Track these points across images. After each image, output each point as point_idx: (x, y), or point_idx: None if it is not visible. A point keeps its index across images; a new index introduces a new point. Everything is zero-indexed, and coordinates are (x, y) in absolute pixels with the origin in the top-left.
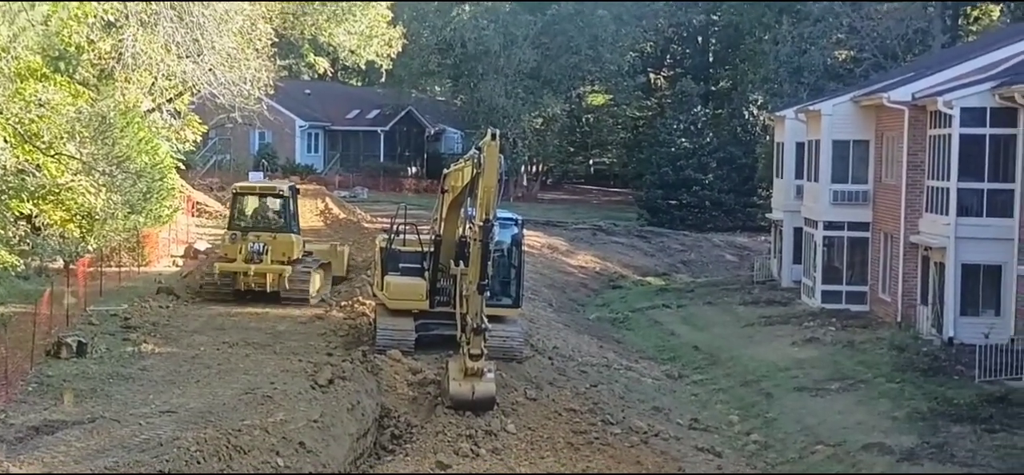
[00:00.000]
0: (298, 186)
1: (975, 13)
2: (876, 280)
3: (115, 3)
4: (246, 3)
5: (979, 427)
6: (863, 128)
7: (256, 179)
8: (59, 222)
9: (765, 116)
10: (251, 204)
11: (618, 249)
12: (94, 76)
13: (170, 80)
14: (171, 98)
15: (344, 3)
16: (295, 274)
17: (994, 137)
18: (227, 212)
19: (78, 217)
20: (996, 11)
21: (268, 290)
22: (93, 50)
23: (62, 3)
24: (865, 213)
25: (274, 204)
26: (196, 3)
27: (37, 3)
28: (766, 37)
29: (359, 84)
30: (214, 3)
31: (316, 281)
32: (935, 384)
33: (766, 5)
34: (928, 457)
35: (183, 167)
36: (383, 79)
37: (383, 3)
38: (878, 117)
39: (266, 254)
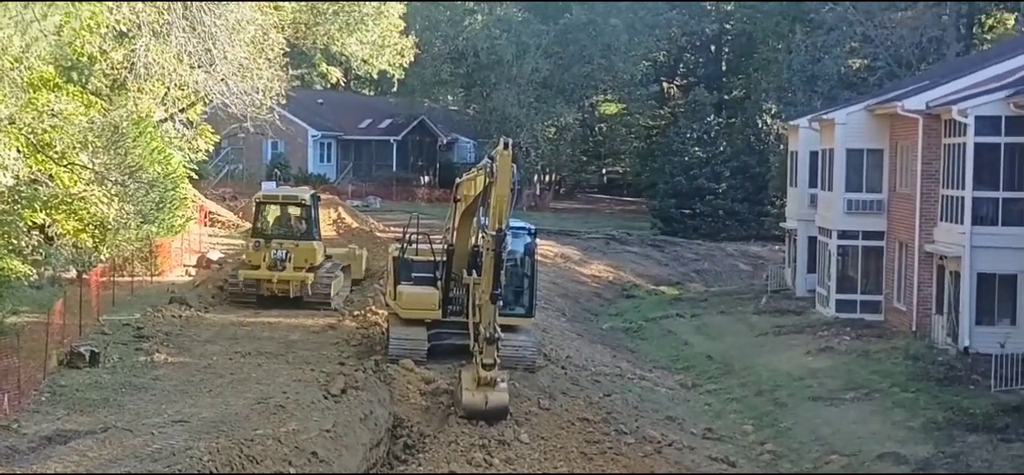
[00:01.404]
0: (319, 194)
1: (990, 21)
2: (891, 289)
3: (127, 12)
4: (259, 14)
5: (995, 437)
6: (877, 137)
7: (268, 189)
8: (72, 232)
9: (779, 125)
10: (274, 212)
11: (631, 258)
12: (107, 86)
13: (182, 90)
14: (183, 108)
15: (357, 12)
16: (317, 278)
17: (1009, 146)
18: (240, 221)
19: (91, 227)
20: (1011, 19)
21: (291, 296)
22: (106, 60)
23: (75, 12)
24: (879, 222)
25: (296, 212)
26: (208, 13)
27: (50, 14)
28: (779, 46)
29: (371, 93)
30: (227, 12)
31: (337, 284)
32: (950, 394)
33: (780, 14)
34: (943, 467)
35: (196, 177)
36: (395, 88)
37: (398, 4)
38: (892, 126)
39: (289, 261)
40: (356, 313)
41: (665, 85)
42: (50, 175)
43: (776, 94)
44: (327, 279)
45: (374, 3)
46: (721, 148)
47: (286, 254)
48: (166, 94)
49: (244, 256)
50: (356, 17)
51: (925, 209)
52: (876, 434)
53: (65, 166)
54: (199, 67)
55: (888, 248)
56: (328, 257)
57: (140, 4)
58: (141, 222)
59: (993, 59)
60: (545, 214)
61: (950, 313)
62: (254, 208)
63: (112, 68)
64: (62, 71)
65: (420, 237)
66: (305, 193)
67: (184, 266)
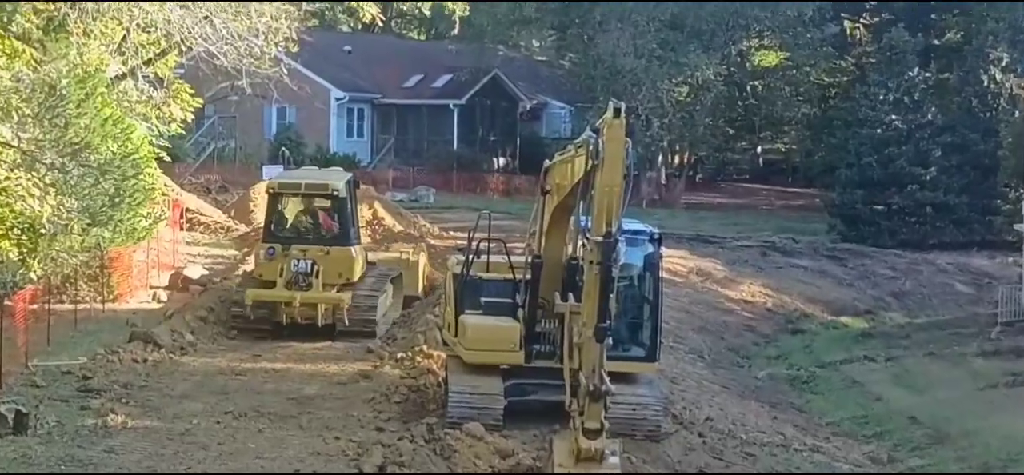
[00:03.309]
0: (358, 179)
1: None
2: None
3: None
4: None
5: None
6: None
7: (277, 175)
8: None
9: (1014, 82)
10: (294, 207)
11: (799, 276)
12: (38, 27)
13: (148, 33)
14: (150, 59)
15: None
16: (357, 299)
17: None
18: (231, 223)
19: (15, 230)
20: None
21: (320, 323)
22: None
23: None
24: None
25: (326, 205)
26: None
27: None
28: None
29: (422, 37)
30: None
31: (384, 304)
32: None
33: None
34: None
35: (168, 158)
36: (456, 30)
37: None
38: None
39: (316, 275)
40: (400, 356)
41: (847, 24)
42: None
43: (1010, 37)
44: (371, 299)
45: None
46: (929, 116)
47: (312, 265)
48: (124, 39)
49: (252, 268)
50: None
51: None
52: None
53: None
54: None
55: None
56: (371, 265)
57: None
58: (89, 224)
59: None
60: (675, 212)
61: None
62: (266, 201)
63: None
64: None
65: (493, 245)
66: (338, 178)
67: (151, 288)
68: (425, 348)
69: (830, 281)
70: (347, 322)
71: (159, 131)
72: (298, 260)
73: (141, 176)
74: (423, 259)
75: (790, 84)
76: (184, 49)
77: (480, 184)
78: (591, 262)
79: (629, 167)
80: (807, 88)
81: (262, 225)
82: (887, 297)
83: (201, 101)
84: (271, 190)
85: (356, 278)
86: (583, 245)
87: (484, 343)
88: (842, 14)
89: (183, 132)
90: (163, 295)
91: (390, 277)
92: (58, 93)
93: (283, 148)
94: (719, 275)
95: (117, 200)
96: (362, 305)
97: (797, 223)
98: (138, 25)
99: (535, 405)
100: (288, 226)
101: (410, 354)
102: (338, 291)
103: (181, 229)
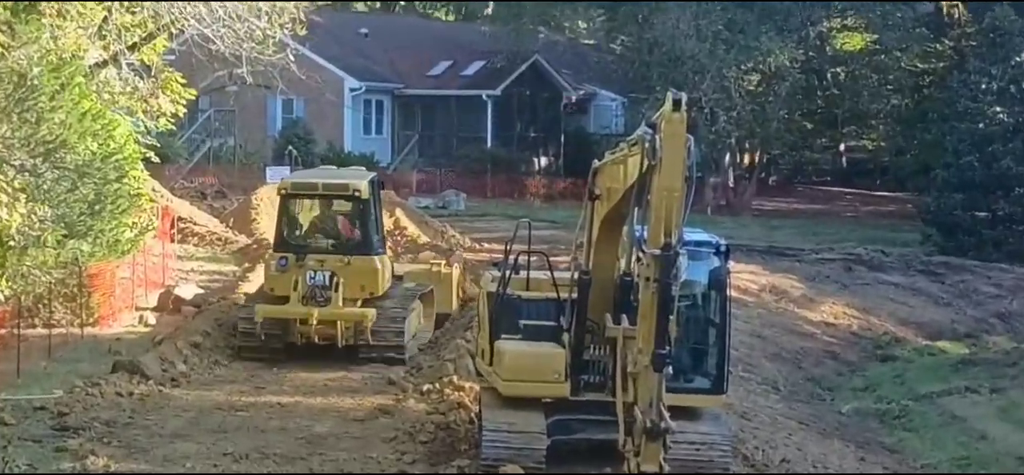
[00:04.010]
0: (383, 180)
1: None
2: None
3: None
4: None
5: None
6: None
7: (277, 176)
8: None
9: None
10: (310, 211)
11: (889, 293)
12: (5, 8)
13: (133, 13)
14: (135, 44)
15: None
16: (384, 314)
17: None
18: (230, 233)
19: None
20: None
21: (340, 343)
22: None
23: None
24: None
25: (346, 209)
26: None
27: None
28: None
29: (450, 18)
30: None
31: (414, 322)
32: None
33: None
34: None
35: (156, 159)
36: (490, 10)
37: None
38: None
39: (335, 289)
40: (426, 387)
41: (944, 2)
42: None
43: None
44: (400, 314)
45: None
46: None
47: (331, 277)
48: (105, 21)
49: (263, 281)
50: None
51: None
52: None
53: None
54: None
55: None
56: (397, 279)
57: None
58: (65, 236)
59: None
60: (744, 219)
61: None
62: (278, 204)
63: None
64: None
65: (533, 259)
66: (361, 179)
67: (137, 309)
68: (455, 379)
69: (925, 300)
70: (372, 341)
71: (146, 127)
72: (315, 272)
73: (125, 180)
74: (456, 271)
75: (878, 71)
76: (175, 32)
77: (518, 188)
78: (647, 279)
79: (691, 168)
80: (897, 76)
81: (272, 233)
82: (991, 318)
83: (194, 93)
84: (284, 191)
85: (381, 292)
86: (638, 259)
87: (524, 373)
88: None
89: (174, 128)
90: (151, 318)
91: (420, 292)
92: (29, 84)
93: (290, 147)
94: (796, 293)
95: (97, 208)
96: (389, 322)
97: (886, 232)
98: (122, 5)
99: (583, 444)
100: (303, 233)
101: (438, 386)
102: (361, 306)
103: (172, 241)
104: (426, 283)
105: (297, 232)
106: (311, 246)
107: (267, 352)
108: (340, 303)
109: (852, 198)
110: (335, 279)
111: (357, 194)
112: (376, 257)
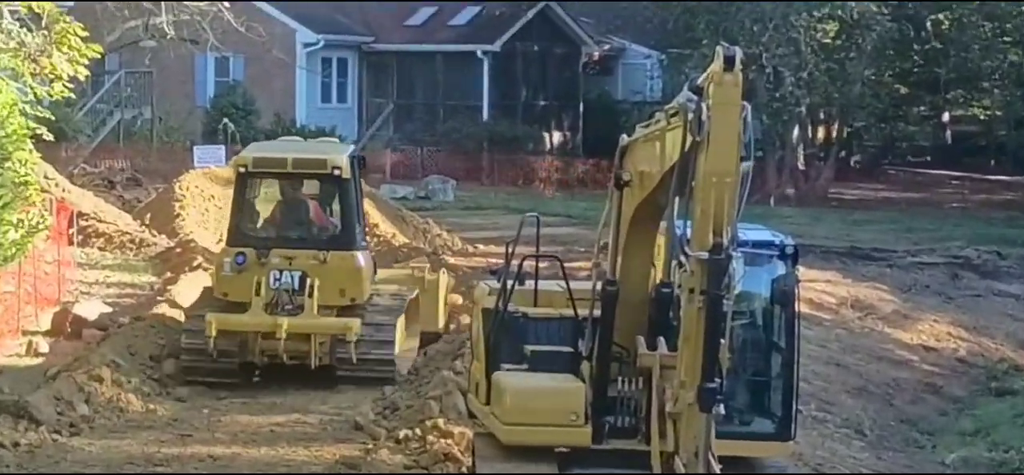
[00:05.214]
0: (364, 155)
1: None
2: None
3: None
4: None
5: None
6: None
7: (207, 158)
8: None
9: None
10: (274, 194)
11: (1007, 308)
12: None
13: None
14: None
15: None
16: (369, 326)
17: None
18: (146, 234)
19: None
20: None
21: (314, 363)
22: None
23: None
24: None
25: (318, 190)
26: None
27: None
28: None
29: None
30: None
31: (398, 338)
32: None
33: None
34: None
35: (49, 136)
36: None
37: None
38: None
39: (309, 294)
40: (403, 434)
41: None
42: None
43: None
44: (389, 322)
45: None
46: None
47: (302, 279)
48: None
49: (213, 284)
50: None
51: None
52: None
53: None
54: None
55: None
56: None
57: None
58: None
59: None
60: (818, 210)
61: None
62: (234, 185)
63: None
64: None
65: (543, 265)
66: (337, 153)
67: (24, 334)
68: (441, 422)
69: None
70: (355, 358)
71: (36, 95)
72: (281, 272)
73: (8, 164)
74: (444, 278)
75: (991, 20)
76: None
77: (524, 173)
78: (692, 290)
79: (748, 146)
80: (1017, 24)
81: (223, 227)
82: None
83: (100, 50)
84: (242, 167)
85: (366, 297)
86: (679, 264)
87: (531, 414)
88: None
89: (73, 97)
90: (43, 344)
91: (408, 298)
92: None
93: (225, 120)
94: (887, 309)
95: None
96: (377, 332)
97: (1002, 228)
98: None
99: None
100: (266, 222)
101: (419, 431)
102: (339, 314)
103: (70, 244)
104: (407, 288)
105: (258, 221)
106: (276, 239)
107: (218, 375)
108: (314, 311)
109: (959, 184)
110: (308, 281)
111: (337, 172)
112: (359, 253)
